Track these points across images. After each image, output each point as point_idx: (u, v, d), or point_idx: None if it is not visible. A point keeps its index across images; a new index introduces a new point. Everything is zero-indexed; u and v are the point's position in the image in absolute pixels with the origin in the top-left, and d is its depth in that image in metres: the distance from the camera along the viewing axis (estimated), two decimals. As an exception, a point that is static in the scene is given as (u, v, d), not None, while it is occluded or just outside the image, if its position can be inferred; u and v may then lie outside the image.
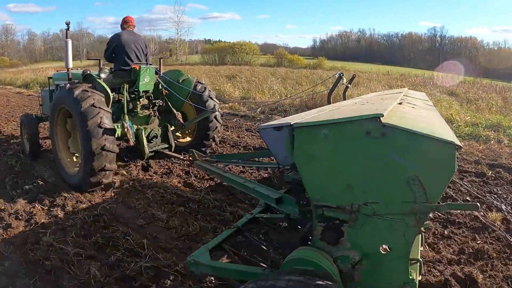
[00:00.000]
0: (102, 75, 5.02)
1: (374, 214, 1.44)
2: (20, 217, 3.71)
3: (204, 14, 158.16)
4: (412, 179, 1.37)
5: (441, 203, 1.44)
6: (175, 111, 5.50)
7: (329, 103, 3.58)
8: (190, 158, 4.53)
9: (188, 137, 6.34)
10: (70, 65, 5.44)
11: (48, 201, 4.10)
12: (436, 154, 1.37)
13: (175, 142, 5.55)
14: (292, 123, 1.54)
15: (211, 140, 5.92)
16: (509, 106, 10.74)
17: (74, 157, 5.05)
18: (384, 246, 1.50)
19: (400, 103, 2.23)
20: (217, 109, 5.77)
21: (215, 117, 5.84)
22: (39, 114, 6.48)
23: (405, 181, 1.38)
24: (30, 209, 3.91)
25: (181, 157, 5.13)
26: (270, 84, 14.68)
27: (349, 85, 3.81)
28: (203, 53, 53.54)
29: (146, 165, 5.32)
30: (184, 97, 5.53)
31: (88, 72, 5.14)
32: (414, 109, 2.09)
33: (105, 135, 4.24)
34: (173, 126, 5.59)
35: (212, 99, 5.82)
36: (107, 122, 4.34)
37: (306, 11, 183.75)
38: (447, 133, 1.51)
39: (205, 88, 5.82)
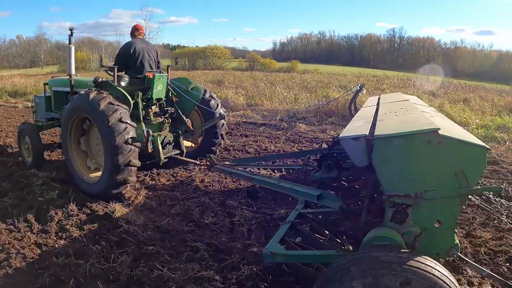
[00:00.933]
0: (122, 83, 5.19)
1: (431, 198, 2.01)
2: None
3: (161, 19, 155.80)
4: (458, 172, 1.96)
5: (476, 188, 2.04)
6: (184, 118, 5.79)
7: (350, 112, 4.13)
8: (208, 163, 4.95)
9: (190, 144, 6.70)
10: (73, 71, 5.65)
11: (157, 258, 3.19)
12: (474, 155, 1.96)
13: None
14: (367, 134, 2.10)
15: (216, 147, 6.36)
16: (495, 107, 11.58)
17: (88, 165, 5.20)
18: (437, 221, 2.07)
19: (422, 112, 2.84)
20: (225, 116, 6.22)
21: (222, 125, 6.30)
22: (39, 123, 6.51)
23: (454, 173, 1.96)
24: (143, 270, 3.02)
25: (198, 162, 5.51)
26: (273, 90, 14.81)
27: (359, 94, 4.34)
28: (172, 58, 53.58)
29: (251, 191, 4.84)
30: (193, 105, 5.91)
31: (100, 79, 5.33)
32: (436, 118, 2.70)
33: (126, 129, 4.44)
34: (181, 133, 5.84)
35: (220, 107, 6.26)
36: (128, 118, 4.57)
37: (264, 14, 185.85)
38: (475, 139, 2.12)
39: (212, 96, 6.24)
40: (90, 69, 43.44)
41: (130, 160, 4.46)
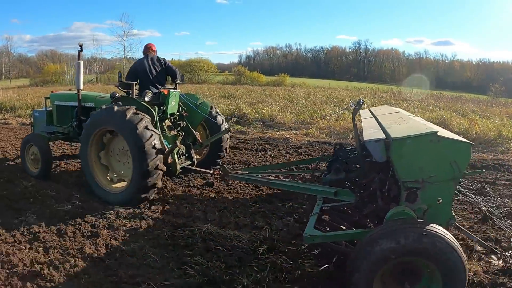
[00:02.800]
0: (146, 98, 5.58)
1: (434, 182, 2.75)
2: None
3: (123, 32, 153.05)
4: (452, 162, 2.71)
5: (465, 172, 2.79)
6: (194, 131, 6.27)
7: (354, 122, 4.82)
8: (221, 172, 5.48)
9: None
10: (81, 86, 6.05)
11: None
12: (462, 149, 2.72)
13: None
14: (385, 137, 2.84)
15: (220, 159, 6.91)
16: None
17: (107, 176, 5.50)
18: (438, 199, 2.81)
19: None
20: (230, 130, 6.81)
21: (227, 139, 6.91)
22: (45, 134, 6.68)
23: (449, 163, 2.71)
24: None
25: (211, 172, 6.03)
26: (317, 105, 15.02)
27: (356, 107, 5.00)
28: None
29: None
30: (201, 118, 6.40)
31: (117, 94, 5.72)
32: (429, 124, 3.49)
33: (153, 136, 4.89)
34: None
35: (224, 122, 6.85)
36: (151, 126, 5.00)
37: (225, 27, 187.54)
38: (462, 138, 2.88)
39: (217, 112, 6.78)
40: (64, 83, 41.95)
41: (158, 164, 4.88)
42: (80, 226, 4.39)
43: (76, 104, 6.28)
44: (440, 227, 2.58)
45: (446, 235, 2.51)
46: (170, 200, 5.40)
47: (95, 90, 17.80)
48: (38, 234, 4.16)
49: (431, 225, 2.57)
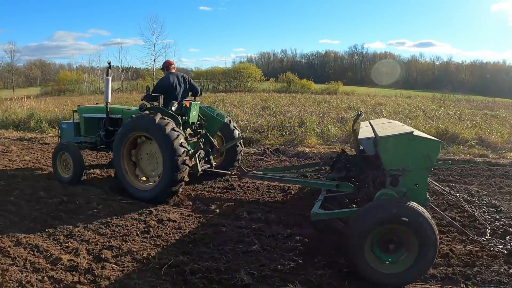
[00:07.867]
0: (173, 108, 6.27)
1: (411, 170, 3.58)
2: None
3: (106, 40, 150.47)
4: (425, 155, 3.53)
5: (435, 163, 3.62)
6: (211, 138, 6.93)
7: (353, 130, 5.63)
8: (238, 172, 6.24)
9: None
10: (109, 99, 6.74)
11: None
12: (433, 145, 3.54)
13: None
14: (374, 136, 3.66)
15: (236, 162, 7.53)
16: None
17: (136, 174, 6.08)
18: (415, 183, 3.63)
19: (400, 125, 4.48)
20: (244, 137, 7.52)
21: (240, 144, 7.59)
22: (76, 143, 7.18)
23: (423, 155, 3.53)
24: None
25: (229, 172, 6.81)
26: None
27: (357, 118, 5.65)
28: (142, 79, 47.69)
29: None
30: (218, 127, 7.11)
31: (145, 105, 6.40)
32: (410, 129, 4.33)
33: (179, 136, 5.58)
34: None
35: (237, 130, 7.57)
36: (177, 128, 5.66)
37: (208, 34, 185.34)
38: (433, 137, 3.71)
39: (230, 120, 7.51)
40: (82, 92, 39.63)
41: (185, 160, 5.56)
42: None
43: (103, 116, 6.98)
44: (416, 204, 3.39)
45: (420, 209, 3.32)
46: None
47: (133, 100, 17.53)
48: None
49: (410, 202, 3.38)
